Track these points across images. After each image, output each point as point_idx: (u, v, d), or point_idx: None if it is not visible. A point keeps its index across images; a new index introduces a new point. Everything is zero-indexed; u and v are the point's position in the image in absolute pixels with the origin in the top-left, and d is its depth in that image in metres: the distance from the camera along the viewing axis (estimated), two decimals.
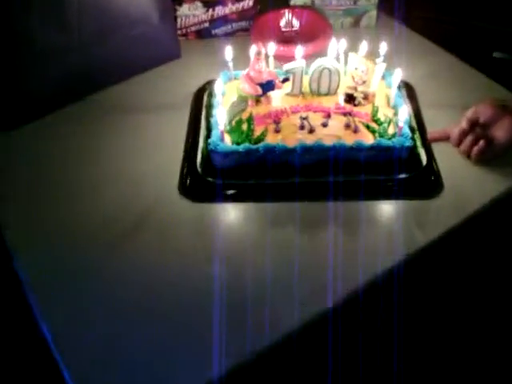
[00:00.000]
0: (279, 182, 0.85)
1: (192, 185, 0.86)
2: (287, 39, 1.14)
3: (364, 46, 0.95)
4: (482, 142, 0.85)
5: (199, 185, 0.86)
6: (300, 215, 0.81)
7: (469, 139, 0.87)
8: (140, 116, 1.00)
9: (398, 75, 0.90)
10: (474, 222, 0.81)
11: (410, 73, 1.00)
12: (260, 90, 0.90)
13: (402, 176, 0.84)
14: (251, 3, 1.15)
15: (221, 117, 0.85)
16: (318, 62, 0.92)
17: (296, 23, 1.15)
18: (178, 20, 1.15)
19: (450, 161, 0.88)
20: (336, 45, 0.95)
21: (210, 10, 1.14)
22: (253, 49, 0.92)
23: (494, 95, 0.94)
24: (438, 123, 0.93)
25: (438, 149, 0.89)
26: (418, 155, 0.87)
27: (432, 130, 0.92)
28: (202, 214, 0.83)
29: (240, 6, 1.15)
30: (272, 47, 0.98)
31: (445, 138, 0.90)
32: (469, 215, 0.80)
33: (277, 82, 0.91)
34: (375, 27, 1.22)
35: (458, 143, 0.89)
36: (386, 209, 0.83)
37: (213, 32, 1.18)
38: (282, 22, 1.16)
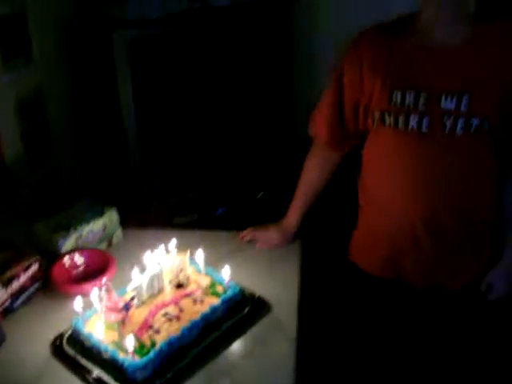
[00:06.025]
0: None
1: None
2: (81, 276, 1.37)
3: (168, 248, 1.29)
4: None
5: None
6: None
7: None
8: None
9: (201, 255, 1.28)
10: None
11: None
12: (125, 313, 1.13)
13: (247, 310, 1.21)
14: (37, 266, 1.32)
15: None
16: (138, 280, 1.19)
17: (80, 261, 1.39)
18: None
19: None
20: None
21: (9, 287, 1.25)
22: (94, 292, 1.14)
23: None
24: None
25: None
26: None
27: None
28: None
29: (30, 272, 1.30)
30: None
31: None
32: None
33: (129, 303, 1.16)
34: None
35: None
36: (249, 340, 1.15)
37: (15, 306, 1.25)
38: (67, 264, 1.37)
